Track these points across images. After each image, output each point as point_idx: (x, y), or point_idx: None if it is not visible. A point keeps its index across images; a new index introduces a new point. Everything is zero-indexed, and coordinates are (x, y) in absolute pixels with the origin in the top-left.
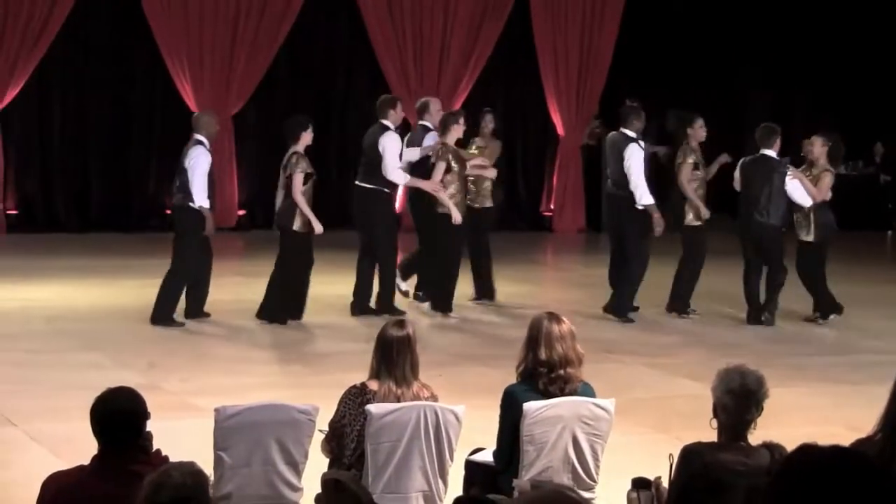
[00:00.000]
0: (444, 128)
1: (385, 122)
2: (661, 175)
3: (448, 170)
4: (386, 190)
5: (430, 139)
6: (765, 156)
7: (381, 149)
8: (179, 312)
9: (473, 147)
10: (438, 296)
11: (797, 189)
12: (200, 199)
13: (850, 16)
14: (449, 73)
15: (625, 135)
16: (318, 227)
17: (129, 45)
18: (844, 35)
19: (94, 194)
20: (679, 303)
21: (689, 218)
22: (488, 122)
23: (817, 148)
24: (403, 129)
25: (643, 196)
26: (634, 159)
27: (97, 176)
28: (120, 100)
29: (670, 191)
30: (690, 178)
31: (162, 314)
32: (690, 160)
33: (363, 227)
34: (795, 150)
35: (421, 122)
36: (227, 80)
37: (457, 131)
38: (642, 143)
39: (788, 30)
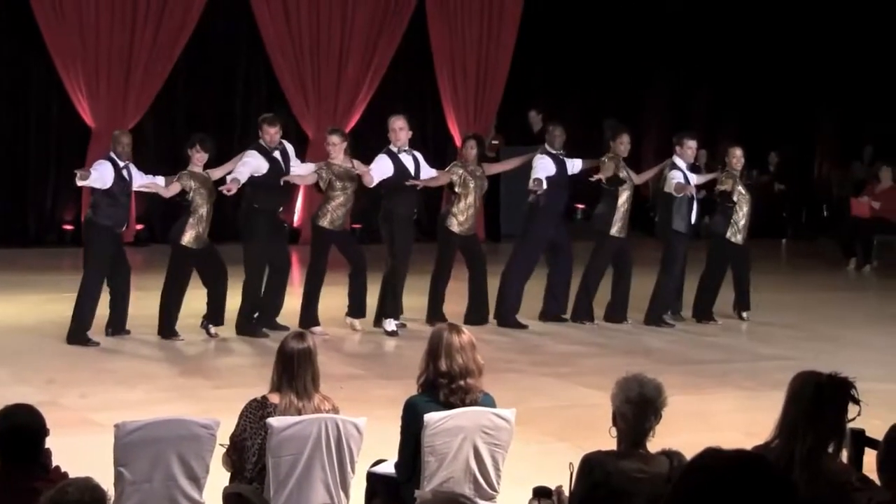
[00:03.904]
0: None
1: (260, 140)
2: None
3: (331, 186)
4: (255, 205)
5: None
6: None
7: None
8: (98, 329)
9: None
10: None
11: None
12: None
13: (745, 31)
14: (347, 86)
15: (542, 147)
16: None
17: (24, 57)
18: (742, 47)
19: None
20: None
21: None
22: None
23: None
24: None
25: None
26: (539, 162)
27: None
28: (16, 113)
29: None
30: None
31: (76, 332)
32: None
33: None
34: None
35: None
36: (125, 93)
37: (339, 148)
38: (562, 155)
39: (686, 41)
